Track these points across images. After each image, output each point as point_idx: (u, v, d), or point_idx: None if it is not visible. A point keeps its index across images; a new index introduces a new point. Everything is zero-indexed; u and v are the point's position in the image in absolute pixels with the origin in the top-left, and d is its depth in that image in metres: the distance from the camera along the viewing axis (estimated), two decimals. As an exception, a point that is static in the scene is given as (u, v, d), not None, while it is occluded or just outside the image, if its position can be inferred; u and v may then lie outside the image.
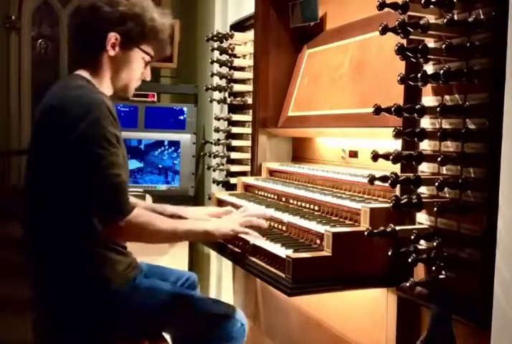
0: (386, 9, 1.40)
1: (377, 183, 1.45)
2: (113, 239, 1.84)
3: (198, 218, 2.15)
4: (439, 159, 1.38)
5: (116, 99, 2.01)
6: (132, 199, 1.99)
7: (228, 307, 2.10)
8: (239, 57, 2.96)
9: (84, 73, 1.89)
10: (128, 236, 1.81)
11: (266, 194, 2.40)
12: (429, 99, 1.53)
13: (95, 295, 1.78)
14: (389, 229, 1.45)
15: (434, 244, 1.45)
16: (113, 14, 1.86)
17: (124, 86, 1.96)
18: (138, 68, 1.95)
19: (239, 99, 2.96)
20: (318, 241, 1.70)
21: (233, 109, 3.07)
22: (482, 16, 1.35)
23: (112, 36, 1.86)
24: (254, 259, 1.79)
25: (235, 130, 2.97)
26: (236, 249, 1.92)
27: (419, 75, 1.41)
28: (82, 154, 1.71)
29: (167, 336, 2.06)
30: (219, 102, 3.06)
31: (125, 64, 1.91)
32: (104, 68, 1.89)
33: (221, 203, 2.51)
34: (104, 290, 1.78)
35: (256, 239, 1.84)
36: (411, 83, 1.45)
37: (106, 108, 1.74)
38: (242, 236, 1.88)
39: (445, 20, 1.36)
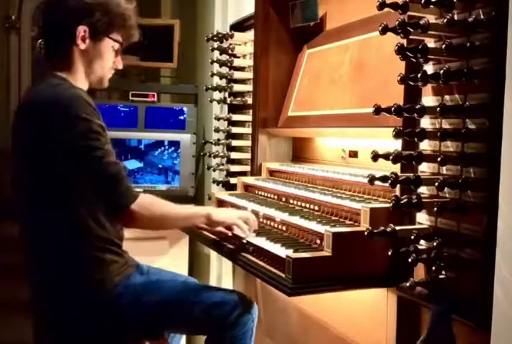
0: (386, 9, 1.40)
1: (377, 183, 1.45)
2: (126, 226, 1.86)
3: None
4: (439, 159, 1.38)
5: (93, 91, 2.00)
6: None
7: (230, 293, 2.01)
8: (239, 57, 2.96)
9: (58, 71, 1.87)
10: (141, 221, 1.79)
11: (266, 194, 2.40)
12: (429, 99, 1.53)
13: (90, 295, 1.78)
14: (389, 229, 1.45)
15: (434, 244, 1.45)
16: (79, 6, 1.83)
17: (99, 78, 1.95)
18: (109, 58, 1.93)
19: (239, 99, 2.96)
20: (318, 241, 1.70)
21: (233, 109, 3.07)
22: (482, 16, 1.35)
23: (81, 29, 1.84)
24: (254, 259, 1.79)
25: (235, 130, 2.97)
26: (234, 248, 1.92)
27: (419, 75, 1.41)
28: (76, 150, 1.71)
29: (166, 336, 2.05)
30: (219, 102, 3.06)
31: (97, 56, 1.89)
32: (76, 63, 1.88)
33: (221, 203, 2.51)
34: (99, 290, 1.78)
35: (250, 237, 1.88)
36: (411, 83, 1.45)
37: (84, 101, 1.74)
38: (237, 232, 1.92)
39: (445, 20, 1.36)
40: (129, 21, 1.93)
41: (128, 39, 1.96)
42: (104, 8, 1.85)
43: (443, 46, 1.37)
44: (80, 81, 1.90)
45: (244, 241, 1.88)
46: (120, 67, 2.00)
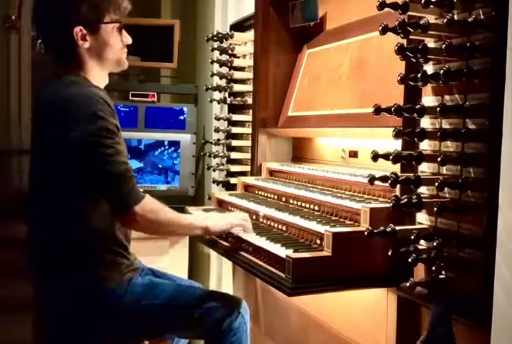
0: (386, 9, 1.40)
1: (377, 183, 1.45)
2: (127, 227, 1.85)
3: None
4: (439, 159, 1.38)
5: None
6: None
7: (226, 298, 2.03)
8: (239, 57, 2.97)
9: (72, 71, 1.86)
10: (141, 224, 1.78)
11: (266, 194, 2.40)
12: (429, 99, 1.53)
13: (92, 296, 1.78)
14: (389, 229, 1.45)
15: (434, 244, 1.45)
16: (64, 9, 1.81)
17: (115, 63, 1.93)
18: (116, 40, 1.90)
19: (239, 99, 2.96)
20: (318, 241, 1.70)
21: (233, 109, 3.07)
22: (482, 16, 1.35)
23: (78, 30, 1.81)
24: (254, 259, 1.79)
25: (235, 130, 2.97)
26: (234, 247, 1.93)
27: (419, 75, 1.41)
28: (87, 147, 1.72)
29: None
30: (219, 102, 3.06)
31: (103, 46, 1.87)
32: (88, 61, 1.87)
33: (221, 203, 2.51)
34: (101, 290, 1.78)
35: (249, 236, 1.88)
36: (411, 83, 1.45)
37: (102, 100, 1.74)
38: (235, 232, 1.92)
39: (445, 20, 1.36)
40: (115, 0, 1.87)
41: (122, 12, 1.90)
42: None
43: (443, 46, 1.37)
44: (98, 77, 1.89)
45: (251, 243, 1.85)
46: (130, 41, 1.95)
